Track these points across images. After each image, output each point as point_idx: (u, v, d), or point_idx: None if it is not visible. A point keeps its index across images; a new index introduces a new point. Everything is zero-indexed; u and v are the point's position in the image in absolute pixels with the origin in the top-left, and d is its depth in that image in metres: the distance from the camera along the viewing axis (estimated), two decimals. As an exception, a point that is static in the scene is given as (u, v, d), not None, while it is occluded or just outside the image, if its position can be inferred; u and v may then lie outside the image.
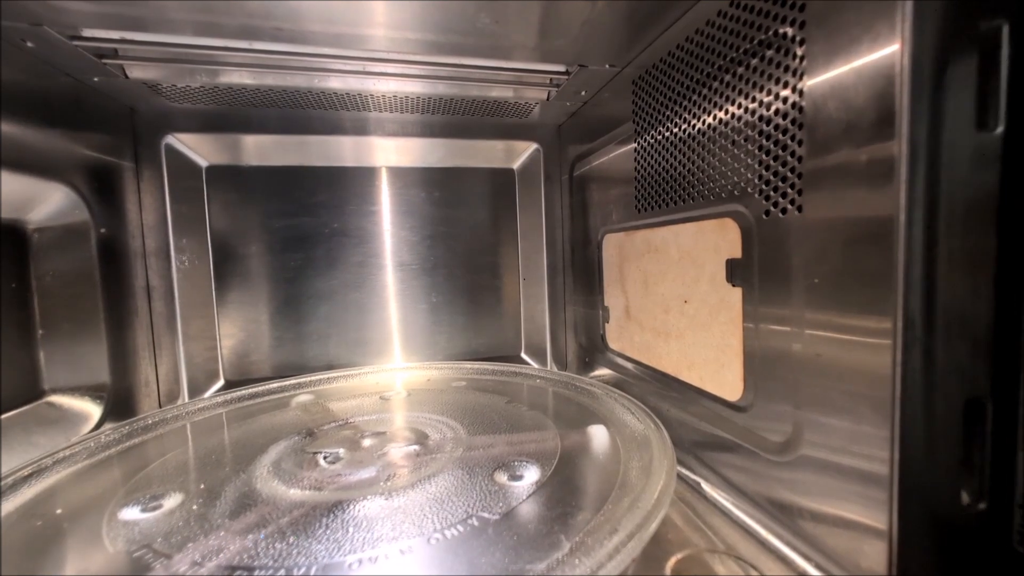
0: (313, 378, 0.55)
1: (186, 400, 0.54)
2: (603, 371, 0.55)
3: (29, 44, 0.36)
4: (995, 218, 0.22)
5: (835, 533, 0.24)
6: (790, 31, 0.26)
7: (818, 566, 0.25)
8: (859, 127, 0.22)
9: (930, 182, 0.21)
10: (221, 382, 0.56)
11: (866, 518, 0.23)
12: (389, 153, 0.61)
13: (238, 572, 0.22)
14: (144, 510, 0.28)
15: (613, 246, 0.50)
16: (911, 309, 0.21)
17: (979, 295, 0.22)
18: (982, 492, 0.22)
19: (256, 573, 0.22)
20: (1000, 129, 0.21)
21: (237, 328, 0.57)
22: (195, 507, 0.28)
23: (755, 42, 0.28)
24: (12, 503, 0.29)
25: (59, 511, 0.28)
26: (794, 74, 0.26)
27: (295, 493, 0.30)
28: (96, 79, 0.42)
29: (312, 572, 0.22)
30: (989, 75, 0.21)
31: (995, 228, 0.22)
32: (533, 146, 0.64)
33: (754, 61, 0.28)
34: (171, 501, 0.29)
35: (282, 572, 0.22)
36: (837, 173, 0.23)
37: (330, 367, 0.60)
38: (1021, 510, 0.22)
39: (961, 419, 0.22)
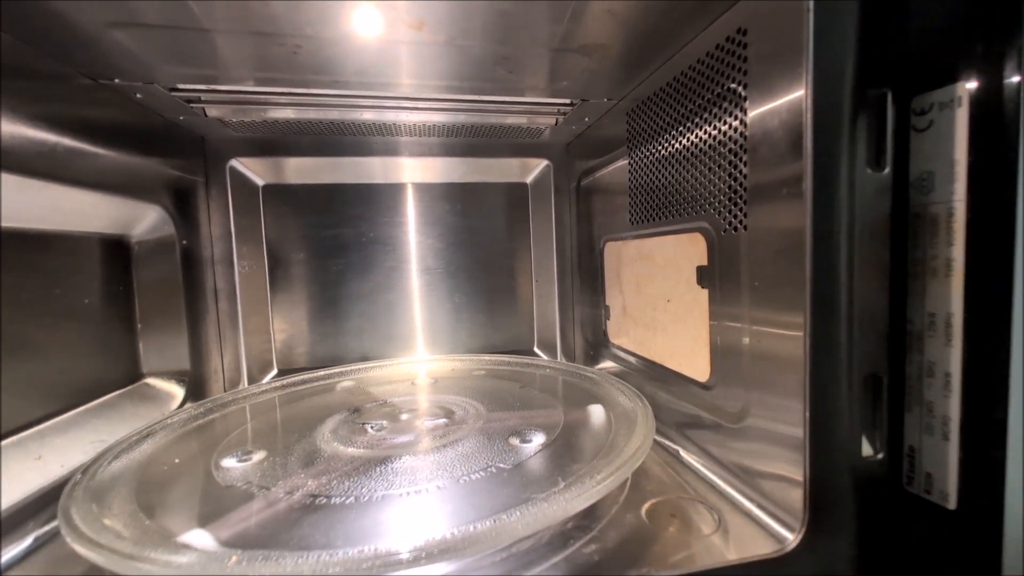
0: (352, 367, 0.63)
1: (247, 385, 0.62)
2: (606, 363, 0.62)
3: (138, 95, 0.45)
4: (888, 237, 0.28)
5: (772, 484, 0.31)
6: (739, 88, 0.33)
7: (761, 506, 0.32)
8: (781, 160, 0.29)
9: (833, 204, 0.27)
10: (275, 371, 0.65)
11: (789, 472, 0.29)
12: (415, 171, 0.69)
13: (320, 498, 0.30)
14: (239, 461, 0.37)
15: (612, 253, 0.57)
16: (818, 305, 0.27)
17: (879, 294, 0.29)
18: (880, 445, 0.29)
19: (333, 499, 0.30)
20: (888, 170, 0.28)
21: (287, 324, 0.66)
22: (277, 459, 0.37)
23: (714, 93, 0.35)
24: (139, 454, 0.38)
25: (176, 460, 0.37)
26: (742, 122, 0.33)
27: (352, 451, 0.38)
28: (182, 118, 0.51)
29: (374, 498, 0.30)
30: (879, 128, 0.28)
31: (889, 244, 0.28)
32: (544, 162, 0.72)
33: (715, 109, 0.35)
34: (258, 456, 0.37)
35: (352, 498, 0.30)
36: (768, 195, 0.30)
37: (365, 359, 0.68)
38: (908, 458, 0.29)
39: (862, 390, 0.29)
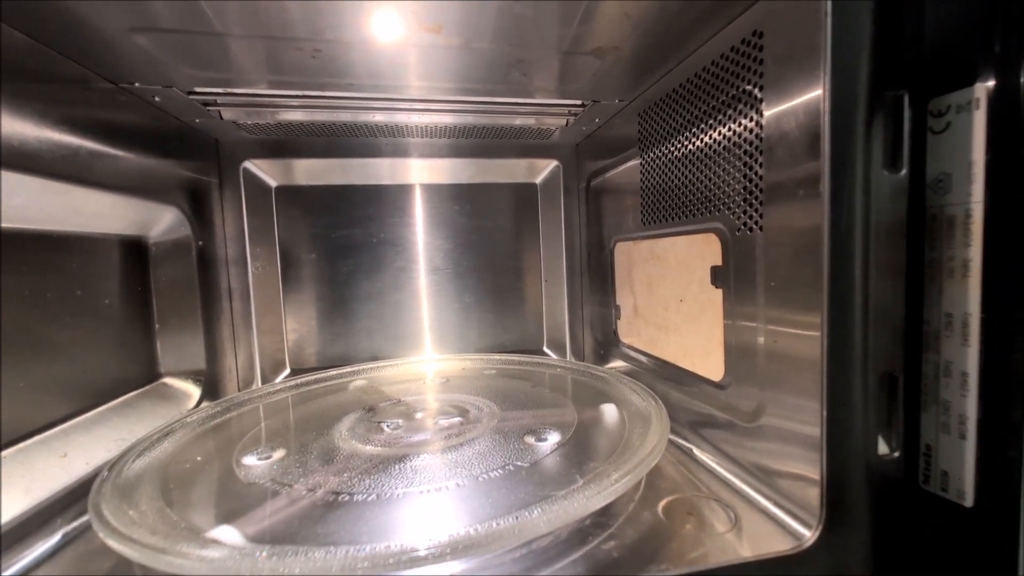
0: (364, 367, 0.64)
1: (260, 385, 0.63)
2: (617, 362, 0.62)
3: (157, 99, 0.45)
4: (905, 238, 0.29)
5: (788, 482, 0.32)
6: (755, 90, 0.33)
7: (777, 504, 0.32)
8: (798, 161, 0.29)
9: (850, 205, 0.27)
10: (287, 371, 0.66)
11: (805, 470, 0.30)
12: (423, 172, 0.70)
13: (342, 495, 0.31)
14: (259, 459, 0.37)
15: (623, 253, 0.57)
16: (835, 305, 0.28)
17: (895, 294, 0.29)
18: (896, 444, 0.29)
19: (356, 496, 0.31)
20: (904, 171, 0.28)
21: (299, 324, 0.66)
22: (297, 457, 0.37)
23: (729, 95, 0.36)
24: (161, 452, 0.38)
25: (198, 458, 0.38)
26: (758, 124, 0.33)
27: (370, 449, 0.38)
28: (197, 121, 0.52)
29: (395, 495, 0.31)
30: (896, 129, 0.28)
31: (905, 245, 0.29)
32: (553, 163, 0.72)
33: (729, 111, 0.36)
34: (277, 454, 0.38)
35: (374, 495, 0.31)
36: (784, 196, 0.31)
37: (375, 359, 0.69)
38: (924, 457, 0.29)
39: (878, 389, 0.29)
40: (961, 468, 0.27)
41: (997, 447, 0.26)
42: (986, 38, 0.25)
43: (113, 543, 0.25)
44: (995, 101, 0.25)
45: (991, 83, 0.25)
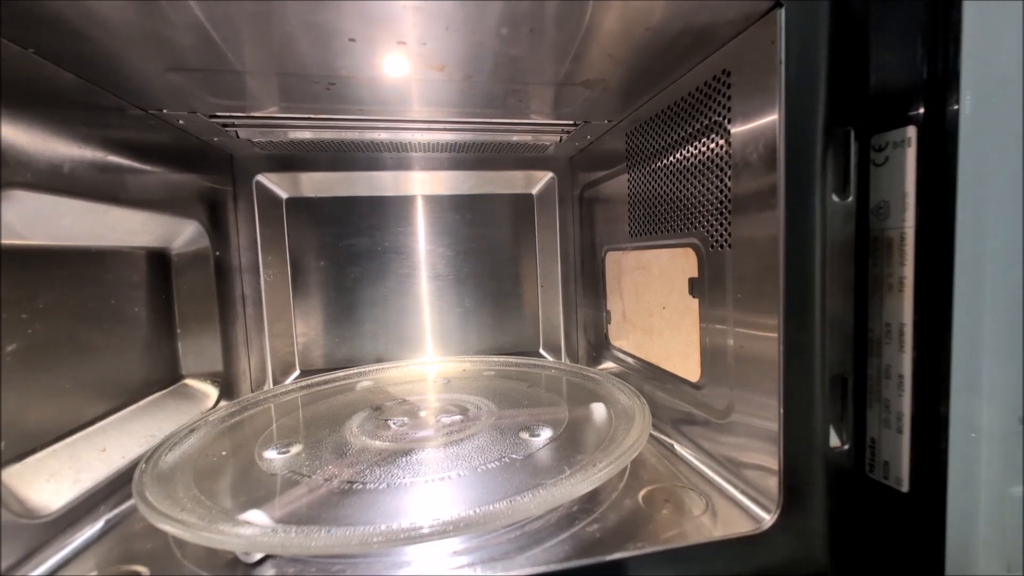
0: (370, 368, 0.67)
1: (272, 386, 0.67)
2: (608, 364, 0.66)
3: (181, 122, 0.49)
4: (852, 256, 0.33)
5: (753, 472, 0.35)
6: (725, 121, 0.37)
7: (744, 492, 0.36)
8: (759, 187, 0.33)
9: (804, 227, 0.31)
10: (297, 372, 0.70)
11: (766, 462, 0.34)
12: (424, 184, 0.74)
13: (356, 484, 0.35)
14: (279, 452, 0.41)
15: (613, 261, 0.61)
16: (790, 315, 0.32)
17: (846, 306, 0.33)
18: (846, 437, 0.33)
19: (368, 484, 0.35)
20: (851, 198, 0.32)
21: (308, 328, 0.70)
22: (312, 451, 0.41)
23: (703, 124, 0.40)
24: (188, 447, 0.42)
25: (223, 452, 0.41)
26: (727, 152, 0.37)
27: (379, 444, 0.42)
28: (216, 139, 0.56)
29: (403, 484, 0.34)
30: (844, 161, 0.32)
31: (853, 262, 0.33)
32: (549, 175, 0.76)
33: (704, 139, 0.40)
34: (295, 448, 0.42)
35: (385, 484, 0.35)
36: (748, 218, 0.35)
37: (380, 361, 0.73)
38: (869, 449, 0.33)
39: (831, 389, 0.33)
40: (899, 458, 0.31)
41: (928, 440, 0.30)
42: (916, 83, 0.29)
43: (160, 523, 0.29)
44: (923, 137, 0.29)
45: (921, 110, 0.29)
